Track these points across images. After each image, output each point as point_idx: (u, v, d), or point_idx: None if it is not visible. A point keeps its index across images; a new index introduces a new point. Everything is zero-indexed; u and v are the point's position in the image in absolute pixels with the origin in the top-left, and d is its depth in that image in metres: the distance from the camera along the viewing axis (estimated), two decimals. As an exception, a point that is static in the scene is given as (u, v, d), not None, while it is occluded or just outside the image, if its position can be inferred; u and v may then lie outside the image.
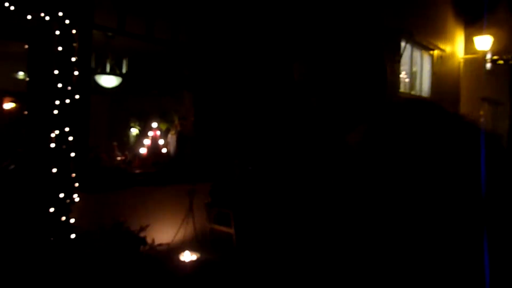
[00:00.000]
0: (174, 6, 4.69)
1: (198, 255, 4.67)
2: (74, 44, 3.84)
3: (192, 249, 4.71)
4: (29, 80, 3.81)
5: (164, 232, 4.50)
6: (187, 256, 4.58)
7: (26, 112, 3.81)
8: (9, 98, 6.44)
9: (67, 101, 3.76)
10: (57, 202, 3.81)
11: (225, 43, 5.10)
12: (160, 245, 4.31)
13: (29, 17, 3.51)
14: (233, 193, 4.92)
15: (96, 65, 5.56)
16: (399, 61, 6.09)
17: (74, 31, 3.80)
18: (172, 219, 4.69)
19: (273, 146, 5.04)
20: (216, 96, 5.13)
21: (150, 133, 4.88)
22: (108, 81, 5.69)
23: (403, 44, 6.29)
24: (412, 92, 7.37)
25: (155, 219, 4.44)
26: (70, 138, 3.84)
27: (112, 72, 5.62)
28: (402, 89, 6.85)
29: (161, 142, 4.94)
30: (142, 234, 4.25)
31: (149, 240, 4.25)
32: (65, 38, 3.72)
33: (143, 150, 4.84)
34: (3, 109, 6.51)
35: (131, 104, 5.77)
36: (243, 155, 5.02)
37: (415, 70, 7.58)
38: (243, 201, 4.88)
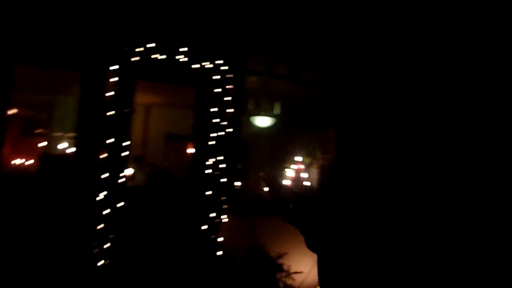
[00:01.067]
0: (317, 48, 5.05)
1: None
2: (229, 87, 4.53)
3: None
4: (194, 121, 4.62)
5: (300, 263, 4.61)
6: (324, 291, 4.56)
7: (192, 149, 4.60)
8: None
9: (221, 133, 4.40)
10: (208, 221, 4.39)
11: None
12: (296, 273, 4.42)
13: (196, 66, 4.34)
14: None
15: (253, 106, 6.30)
16: None
17: (230, 75, 4.50)
18: (309, 251, 4.76)
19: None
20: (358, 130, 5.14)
21: (294, 166, 5.20)
22: (263, 121, 6.35)
23: None
24: None
25: (293, 248, 4.60)
26: (222, 166, 4.44)
27: (266, 113, 6.27)
28: None
29: (304, 175, 5.20)
30: (279, 261, 4.47)
31: (285, 268, 4.43)
32: (222, 82, 4.43)
33: (287, 182, 5.18)
34: (187, 153, 7.72)
35: (280, 141, 6.30)
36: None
37: None
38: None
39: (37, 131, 7.31)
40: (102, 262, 3.89)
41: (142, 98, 7.45)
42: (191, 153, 4.82)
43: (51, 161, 4.38)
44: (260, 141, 6.08)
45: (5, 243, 3.70)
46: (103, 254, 3.92)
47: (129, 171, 5.67)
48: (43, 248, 3.81)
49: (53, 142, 6.37)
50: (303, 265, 4.64)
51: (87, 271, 3.84)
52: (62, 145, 5.70)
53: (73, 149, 4.19)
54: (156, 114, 8.54)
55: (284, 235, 4.72)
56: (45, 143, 6.29)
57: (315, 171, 5.14)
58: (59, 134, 6.22)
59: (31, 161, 6.63)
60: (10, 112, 4.04)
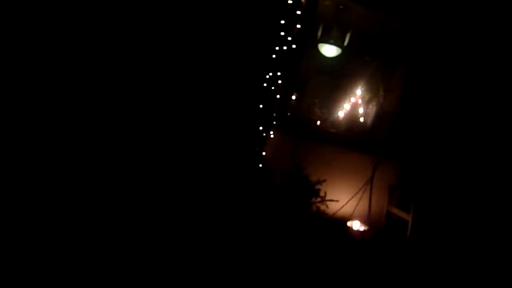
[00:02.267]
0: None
1: (367, 228, 4.61)
2: (303, 0, 4.31)
3: (362, 221, 4.67)
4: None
5: (337, 193, 4.61)
6: (356, 225, 4.57)
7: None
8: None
9: (285, 48, 4.27)
10: (256, 134, 4.43)
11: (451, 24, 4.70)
12: (331, 200, 4.43)
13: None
14: (420, 178, 4.58)
15: (322, 35, 6.02)
16: None
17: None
18: (348, 184, 4.76)
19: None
20: (431, 78, 4.81)
21: (352, 99, 5.02)
22: (329, 50, 6.07)
23: None
24: None
25: (332, 177, 4.59)
26: (279, 81, 4.36)
27: (335, 43, 5.97)
28: None
29: (360, 110, 5.03)
30: (317, 187, 4.48)
31: (321, 193, 4.45)
32: (295, -4, 4.21)
33: (341, 114, 5.05)
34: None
35: (343, 73, 6.10)
36: (443, 141, 4.59)
37: None
38: (430, 189, 4.48)
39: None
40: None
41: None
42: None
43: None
44: (323, 70, 5.88)
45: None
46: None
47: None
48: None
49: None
50: (340, 196, 4.65)
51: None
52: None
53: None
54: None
55: (327, 163, 4.74)
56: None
57: (372, 108, 4.95)
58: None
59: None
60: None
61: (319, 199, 4.44)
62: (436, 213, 4.43)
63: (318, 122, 4.85)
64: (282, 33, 4.29)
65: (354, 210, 4.79)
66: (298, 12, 4.29)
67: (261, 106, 4.40)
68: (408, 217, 4.52)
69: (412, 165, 4.72)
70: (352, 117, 4.97)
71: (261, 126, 4.42)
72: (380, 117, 4.87)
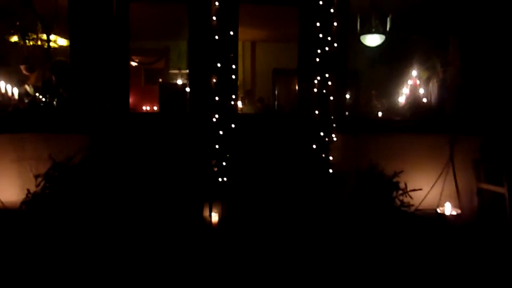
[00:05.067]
0: None
1: (460, 212, 4.28)
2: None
3: (453, 204, 4.36)
4: (299, 39, 4.50)
5: (418, 180, 4.36)
6: (448, 209, 4.26)
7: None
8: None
9: (327, 49, 4.22)
10: (319, 140, 4.37)
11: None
12: (414, 190, 4.19)
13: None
14: (508, 147, 4.20)
15: (361, 26, 5.88)
16: None
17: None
18: (427, 169, 4.49)
19: None
20: (490, 42, 4.46)
21: (409, 82, 4.78)
22: (373, 40, 5.89)
23: None
24: None
25: (409, 166, 4.36)
26: (329, 83, 4.30)
27: (376, 31, 5.79)
28: None
29: (421, 91, 4.76)
30: (395, 179, 4.27)
31: (401, 186, 4.23)
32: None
33: (401, 99, 4.82)
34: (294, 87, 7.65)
35: (393, 57, 5.85)
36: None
37: None
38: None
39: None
40: (221, 178, 4.18)
41: (247, 34, 7.55)
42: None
43: (168, 88, 4.77)
44: (371, 60, 5.71)
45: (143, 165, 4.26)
46: (222, 171, 4.19)
47: (239, 104, 5.89)
48: (172, 165, 4.29)
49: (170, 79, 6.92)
50: (422, 184, 4.39)
51: (210, 186, 4.18)
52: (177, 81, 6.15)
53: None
54: (262, 50, 8.60)
55: (400, 153, 4.52)
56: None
57: (434, 86, 4.66)
58: (174, 71, 6.70)
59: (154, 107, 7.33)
60: (132, 63, 4.46)
61: (400, 192, 4.22)
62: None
63: (380, 114, 4.66)
64: (321, 35, 4.26)
65: (441, 194, 4.49)
66: (332, 11, 4.24)
67: (316, 112, 4.35)
68: (502, 190, 4.15)
69: (495, 135, 4.35)
70: (414, 99, 4.72)
71: (321, 131, 4.36)
72: (444, 94, 4.58)
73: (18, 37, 5.29)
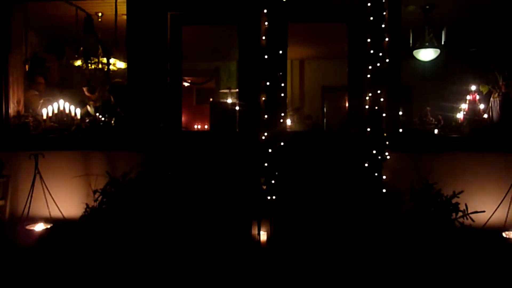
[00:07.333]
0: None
1: (530, 237, 3.93)
2: (384, 13, 4.17)
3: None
4: (348, 54, 4.45)
5: (479, 201, 4.07)
6: (515, 235, 3.94)
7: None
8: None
9: (378, 64, 4.12)
10: (371, 159, 4.23)
11: None
12: (476, 212, 3.92)
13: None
14: None
15: (414, 40, 5.70)
16: None
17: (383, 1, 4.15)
18: (490, 189, 4.19)
19: None
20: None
21: (468, 97, 4.52)
22: (427, 54, 5.69)
23: None
24: None
25: (468, 186, 4.09)
26: (381, 99, 4.18)
27: (430, 45, 5.59)
28: None
29: (481, 106, 4.48)
30: (454, 200, 4.03)
31: (461, 207, 3.97)
32: (375, 10, 4.12)
33: (459, 115, 4.57)
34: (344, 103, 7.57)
35: (449, 71, 5.60)
36: None
37: None
38: None
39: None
40: (270, 197, 4.16)
41: (295, 53, 7.60)
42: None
43: (219, 106, 4.88)
44: (425, 75, 5.50)
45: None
46: (271, 190, 4.17)
47: (288, 122, 5.88)
48: (221, 183, 4.34)
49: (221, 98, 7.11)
50: (484, 204, 4.09)
51: (258, 204, 4.17)
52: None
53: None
54: (310, 67, 8.60)
55: (459, 171, 4.27)
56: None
57: (495, 101, 4.38)
58: (225, 90, 6.86)
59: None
60: (184, 83, 4.65)
61: (460, 214, 3.96)
62: None
63: (436, 131, 4.44)
64: (372, 51, 4.17)
65: (506, 217, 4.15)
66: (383, 26, 4.15)
67: (368, 129, 4.24)
68: None
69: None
70: (473, 115, 4.46)
71: (373, 149, 4.22)
72: (506, 109, 4.28)
73: (81, 61, 5.68)
